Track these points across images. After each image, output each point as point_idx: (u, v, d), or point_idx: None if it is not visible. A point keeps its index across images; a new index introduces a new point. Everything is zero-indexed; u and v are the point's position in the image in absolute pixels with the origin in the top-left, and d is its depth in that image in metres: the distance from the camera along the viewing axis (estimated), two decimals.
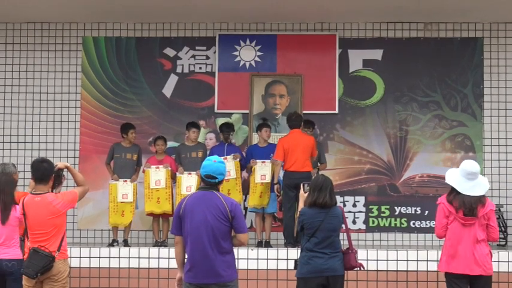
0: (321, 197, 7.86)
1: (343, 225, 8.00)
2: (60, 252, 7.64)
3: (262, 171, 11.77)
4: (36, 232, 7.61)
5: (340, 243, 7.96)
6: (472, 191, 7.91)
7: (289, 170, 11.53)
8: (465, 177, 7.94)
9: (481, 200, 7.94)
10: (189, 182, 11.77)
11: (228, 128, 12.33)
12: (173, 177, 12.12)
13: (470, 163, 8.02)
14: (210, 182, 6.98)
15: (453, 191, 7.95)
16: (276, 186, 11.75)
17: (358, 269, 8.13)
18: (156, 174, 11.96)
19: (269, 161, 11.76)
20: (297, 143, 11.59)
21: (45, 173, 7.70)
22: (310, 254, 7.82)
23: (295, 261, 8.04)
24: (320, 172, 12.21)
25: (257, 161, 11.81)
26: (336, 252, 7.88)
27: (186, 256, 7.02)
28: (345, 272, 7.99)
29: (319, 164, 12.12)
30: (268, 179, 11.71)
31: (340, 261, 7.90)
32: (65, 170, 7.93)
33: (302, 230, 7.94)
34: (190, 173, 11.84)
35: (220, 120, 12.88)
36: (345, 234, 8.17)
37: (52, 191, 7.80)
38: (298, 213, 8.18)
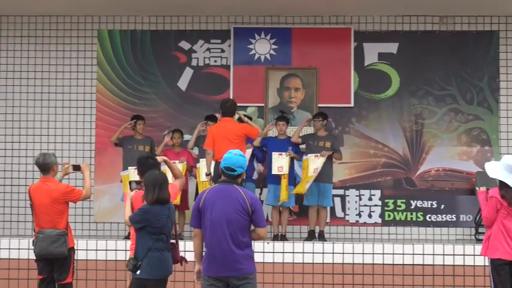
0: None
1: None
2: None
3: (279, 163, 11.72)
4: None
5: None
6: None
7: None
8: (509, 171, 8.34)
9: None
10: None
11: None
12: (190, 170, 12.13)
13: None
14: (229, 175, 7.00)
15: (503, 186, 8.36)
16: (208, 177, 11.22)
17: None
18: None
19: (286, 153, 11.70)
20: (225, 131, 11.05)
21: (151, 168, 7.99)
22: None
23: None
24: (338, 162, 12.26)
25: (273, 153, 11.76)
26: None
27: (205, 249, 7.03)
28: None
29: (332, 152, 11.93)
30: (285, 171, 11.64)
31: None
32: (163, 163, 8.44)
33: None
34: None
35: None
36: None
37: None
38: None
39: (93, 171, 12.89)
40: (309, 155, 11.73)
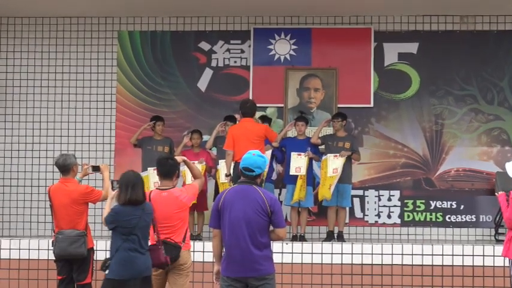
0: None
1: None
2: (185, 243, 8.01)
3: (297, 163, 11.71)
4: (164, 225, 7.92)
5: None
6: None
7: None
8: None
9: None
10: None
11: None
12: (209, 171, 12.15)
13: None
14: (248, 175, 6.99)
15: None
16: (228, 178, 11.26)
17: None
18: None
19: (304, 154, 11.69)
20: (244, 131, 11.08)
21: (171, 169, 8.06)
22: None
23: None
24: (357, 163, 12.23)
25: (292, 153, 11.75)
26: None
27: (224, 249, 7.04)
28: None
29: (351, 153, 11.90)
30: (303, 172, 11.62)
31: None
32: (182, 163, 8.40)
33: None
34: None
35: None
36: None
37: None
38: None
39: (113, 172, 12.93)
40: (328, 154, 11.72)
